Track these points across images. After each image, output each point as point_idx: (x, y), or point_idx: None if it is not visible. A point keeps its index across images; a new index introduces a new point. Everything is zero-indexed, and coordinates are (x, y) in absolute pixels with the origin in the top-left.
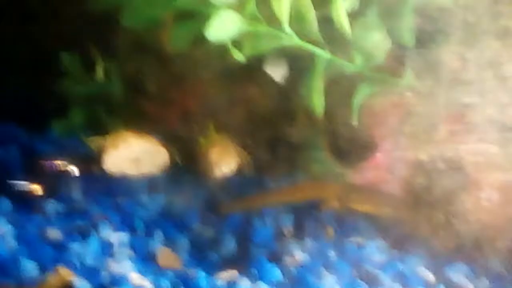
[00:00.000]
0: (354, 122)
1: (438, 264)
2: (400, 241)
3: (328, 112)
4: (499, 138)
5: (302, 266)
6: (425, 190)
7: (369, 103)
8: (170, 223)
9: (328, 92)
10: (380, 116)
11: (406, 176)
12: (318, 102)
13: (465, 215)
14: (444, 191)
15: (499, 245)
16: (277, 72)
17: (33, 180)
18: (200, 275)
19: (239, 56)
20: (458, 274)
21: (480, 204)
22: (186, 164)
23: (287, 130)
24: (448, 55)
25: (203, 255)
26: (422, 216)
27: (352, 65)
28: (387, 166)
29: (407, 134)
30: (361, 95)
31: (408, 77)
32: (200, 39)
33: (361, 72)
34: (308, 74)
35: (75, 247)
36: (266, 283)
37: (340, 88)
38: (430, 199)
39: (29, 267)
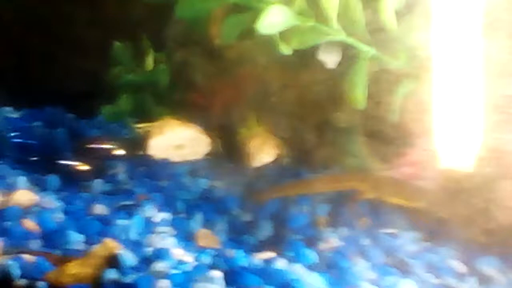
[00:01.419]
0: (395, 118)
1: (470, 256)
2: (434, 233)
3: (369, 106)
4: None
5: (336, 251)
6: (466, 177)
7: (407, 101)
8: (210, 207)
9: (370, 87)
10: (420, 111)
11: (437, 175)
12: (360, 96)
13: (503, 202)
14: (484, 179)
15: None
16: (330, 59)
17: (81, 161)
18: (239, 253)
19: (286, 49)
20: (489, 267)
21: None
22: (227, 153)
23: (335, 115)
24: (497, 48)
25: (241, 238)
26: (461, 203)
27: (395, 61)
28: (420, 164)
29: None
30: (402, 92)
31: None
32: (248, 33)
33: (404, 69)
34: (353, 68)
35: (121, 222)
36: (302, 265)
37: (383, 83)
38: (470, 186)
39: (76, 239)
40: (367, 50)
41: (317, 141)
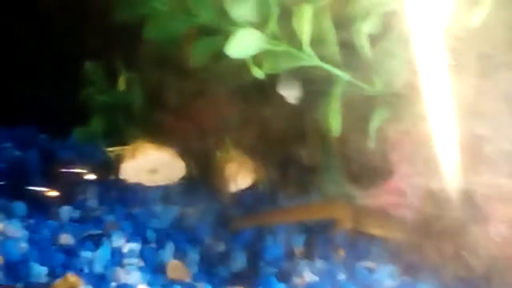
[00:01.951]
0: (371, 146)
1: None
2: (412, 267)
3: (343, 135)
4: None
5: (310, 287)
6: (435, 219)
7: (384, 128)
8: (182, 236)
9: (344, 115)
10: (394, 143)
11: (418, 204)
12: (335, 123)
13: (475, 248)
14: (454, 222)
15: (510, 280)
16: (290, 93)
17: (50, 186)
18: None
19: (258, 73)
20: None
21: (491, 238)
22: (202, 177)
23: (300, 151)
24: (464, 86)
25: (212, 269)
26: (432, 245)
27: (371, 88)
28: (400, 192)
29: (420, 162)
30: (378, 119)
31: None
32: (221, 55)
33: (379, 96)
34: (326, 95)
35: (86, 254)
36: None
37: (357, 111)
38: (440, 229)
39: (39, 272)
40: (341, 75)
41: (291, 169)
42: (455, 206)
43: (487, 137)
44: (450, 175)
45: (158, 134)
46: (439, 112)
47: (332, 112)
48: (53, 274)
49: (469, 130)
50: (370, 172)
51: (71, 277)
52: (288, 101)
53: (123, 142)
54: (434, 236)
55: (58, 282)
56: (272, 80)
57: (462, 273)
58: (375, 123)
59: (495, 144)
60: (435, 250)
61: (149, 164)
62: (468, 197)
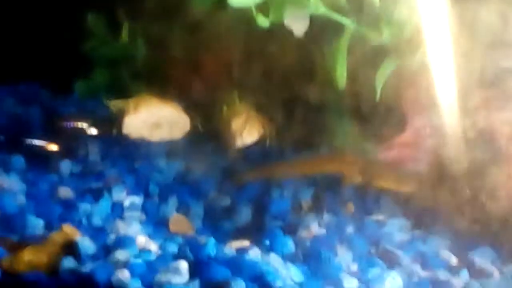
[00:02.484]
0: (377, 96)
1: (462, 246)
2: (423, 220)
3: (351, 86)
4: None
5: (317, 240)
6: (452, 163)
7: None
8: (186, 190)
9: (352, 64)
10: (405, 94)
11: (434, 147)
12: (341, 73)
13: (494, 190)
14: (473, 164)
15: None
16: (297, 26)
17: (51, 140)
18: (210, 242)
19: (263, 22)
20: (483, 258)
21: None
22: (207, 132)
23: (307, 90)
24: (488, 13)
25: (217, 223)
26: (448, 191)
27: (379, 36)
28: (413, 144)
29: (438, 102)
30: (386, 69)
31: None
32: (225, 4)
33: (388, 44)
34: (333, 44)
35: (85, 207)
36: (277, 255)
37: (366, 60)
38: (457, 172)
39: (35, 224)
40: (348, 24)
41: (298, 119)
42: (474, 147)
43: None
44: (471, 113)
45: (162, 88)
46: (458, 45)
47: (338, 62)
48: (50, 227)
49: (494, 62)
50: (382, 124)
51: (67, 228)
52: (295, 35)
53: (126, 96)
54: (450, 180)
55: (54, 233)
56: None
57: (478, 218)
58: (383, 72)
59: None
60: (450, 196)
61: (153, 119)
62: (488, 136)
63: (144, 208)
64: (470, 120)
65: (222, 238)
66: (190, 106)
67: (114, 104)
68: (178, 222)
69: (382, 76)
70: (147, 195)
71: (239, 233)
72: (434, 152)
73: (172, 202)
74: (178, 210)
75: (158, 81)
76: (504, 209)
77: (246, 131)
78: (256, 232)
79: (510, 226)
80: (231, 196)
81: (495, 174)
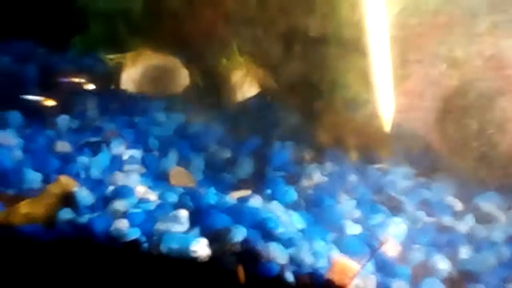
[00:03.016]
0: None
1: (467, 192)
2: (429, 168)
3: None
4: None
5: (319, 188)
6: (458, 94)
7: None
8: (186, 143)
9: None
10: (410, 42)
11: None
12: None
13: (502, 124)
14: (480, 96)
15: None
16: None
17: (48, 96)
18: (210, 191)
19: None
20: (488, 203)
21: None
22: (207, 86)
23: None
24: None
25: (218, 176)
26: (454, 125)
27: None
28: (416, 93)
29: (441, 28)
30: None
31: None
32: None
33: None
34: None
35: (83, 160)
36: (279, 203)
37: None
38: (464, 104)
39: (32, 178)
40: None
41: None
42: (481, 76)
43: None
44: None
45: (160, 41)
46: None
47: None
48: (47, 180)
49: None
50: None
51: (64, 179)
52: None
53: (123, 51)
54: (457, 113)
55: (51, 185)
56: None
57: (486, 154)
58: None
59: None
60: (458, 130)
61: (151, 73)
62: (496, 64)
63: (143, 162)
64: (477, 47)
65: (224, 189)
66: (189, 60)
67: (112, 59)
68: (178, 175)
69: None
70: (146, 149)
71: (241, 185)
72: (440, 86)
73: (172, 155)
74: (178, 163)
75: (156, 35)
76: None
77: (246, 84)
78: (257, 183)
79: None
80: (232, 149)
81: (504, 105)
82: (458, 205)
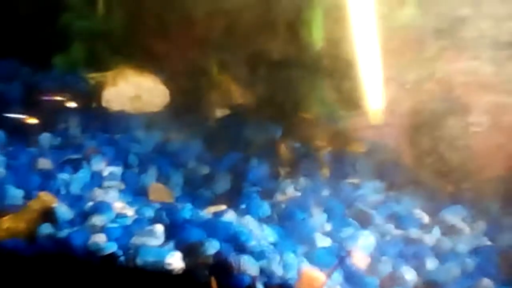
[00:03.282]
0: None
1: (434, 206)
2: (399, 181)
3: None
4: (493, 56)
5: (292, 202)
6: (411, 114)
7: None
8: (165, 160)
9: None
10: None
11: (392, 100)
12: (317, 35)
13: (452, 140)
14: (431, 115)
15: (489, 174)
16: None
17: (31, 114)
18: (186, 207)
19: None
20: (455, 216)
21: (470, 130)
22: (186, 103)
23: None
24: None
25: (196, 191)
26: (408, 142)
27: None
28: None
29: (393, 52)
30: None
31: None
32: None
33: None
34: (306, 6)
35: (64, 177)
36: (253, 217)
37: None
38: (417, 123)
39: (14, 194)
40: None
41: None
42: (433, 98)
43: (467, 18)
44: (427, 63)
45: (140, 60)
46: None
47: (313, 23)
48: (29, 196)
49: (448, 11)
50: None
51: (45, 195)
52: None
53: (105, 69)
54: (410, 130)
55: (32, 201)
56: None
57: (439, 169)
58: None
59: (476, 25)
60: (411, 146)
61: (132, 91)
62: (446, 87)
63: (123, 178)
64: (427, 71)
65: (201, 204)
66: (169, 78)
67: (93, 77)
68: (157, 190)
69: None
70: (126, 166)
71: (218, 200)
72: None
73: (152, 172)
74: (157, 180)
75: (136, 54)
76: (463, 159)
77: (224, 101)
78: (233, 198)
79: (470, 176)
80: (210, 165)
81: (453, 124)
82: (425, 218)
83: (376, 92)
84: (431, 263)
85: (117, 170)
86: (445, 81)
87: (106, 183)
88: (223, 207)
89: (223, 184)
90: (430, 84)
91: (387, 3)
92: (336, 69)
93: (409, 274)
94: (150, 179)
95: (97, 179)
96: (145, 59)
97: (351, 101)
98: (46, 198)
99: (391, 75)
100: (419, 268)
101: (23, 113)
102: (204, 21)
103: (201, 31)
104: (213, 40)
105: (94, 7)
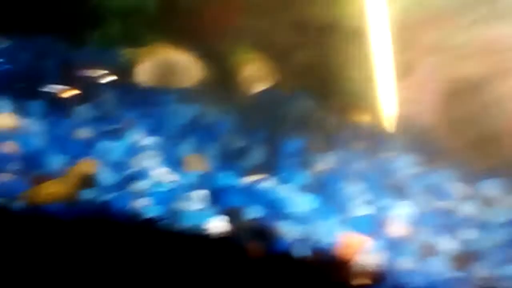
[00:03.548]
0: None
1: (473, 178)
2: (435, 157)
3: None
4: None
5: (329, 173)
6: (456, 79)
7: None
8: (201, 133)
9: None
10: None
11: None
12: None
13: (499, 103)
14: (477, 78)
15: None
16: None
17: (68, 88)
18: (225, 175)
19: None
20: (492, 188)
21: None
22: (220, 80)
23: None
24: None
25: (232, 163)
26: (453, 107)
27: None
28: (420, 87)
29: (430, 21)
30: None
31: None
32: None
33: None
34: None
35: (104, 145)
36: (291, 185)
37: None
38: (462, 87)
39: (56, 160)
40: None
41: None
42: (477, 61)
43: None
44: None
45: (175, 36)
46: None
47: None
48: (70, 163)
49: None
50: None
51: (86, 162)
52: None
53: (140, 45)
54: (456, 95)
55: (74, 167)
56: None
57: (486, 135)
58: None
59: None
60: (458, 112)
61: (166, 67)
62: (490, 50)
63: (160, 148)
64: (468, 35)
65: (238, 174)
66: (203, 54)
67: (128, 53)
68: (194, 161)
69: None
70: (162, 137)
71: (255, 170)
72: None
73: (188, 143)
74: (194, 151)
75: (171, 30)
76: (502, 129)
77: (257, 78)
78: (271, 168)
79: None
80: (246, 138)
81: (500, 88)
82: (463, 190)
83: (412, 61)
84: (468, 234)
85: (154, 140)
86: (484, 47)
87: (144, 153)
88: (261, 176)
89: (259, 155)
90: (468, 50)
91: None
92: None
93: (447, 244)
94: (187, 151)
95: (135, 149)
96: (179, 35)
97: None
98: (87, 164)
99: (429, 42)
100: (456, 238)
101: (60, 85)
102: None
103: (234, 9)
104: (245, 16)
105: None
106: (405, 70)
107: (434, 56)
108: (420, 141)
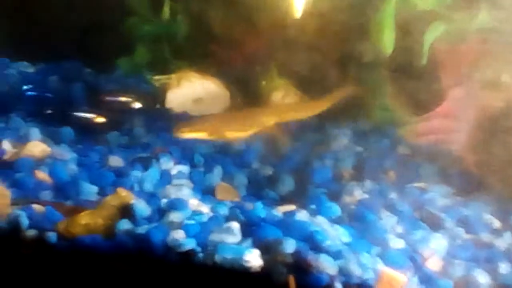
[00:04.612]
0: (423, 62)
1: (505, 210)
2: (467, 187)
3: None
4: None
5: (361, 204)
6: (503, 115)
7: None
8: (229, 160)
9: (398, 30)
10: (445, 64)
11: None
12: (388, 39)
13: None
14: (503, 119)
15: None
16: None
17: (97, 114)
18: (258, 205)
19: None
20: None
21: None
22: (247, 106)
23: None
24: None
25: (261, 192)
26: (497, 143)
27: (424, 1)
28: (452, 115)
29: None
30: (432, 34)
31: (483, 16)
32: None
33: (434, 9)
34: (380, 10)
35: (136, 174)
36: (324, 217)
37: (411, 26)
38: (487, 127)
39: (89, 190)
40: None
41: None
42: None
43: None
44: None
45: (203, 64)
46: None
47: (385, 27)
48: (103, 193)
49: None
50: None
51: (122, 191)
52: None
53: (168, 72)
54: (501, 131)
55: (109, 197)
56: None
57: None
58: (429, 38)
59: None
60: (501, 146)
61: (195, 93)
62: None
63: (190, 177)
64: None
65: (268, 204)
66: (230, 81)
67: (157, 80)
68: (224, 190)
69: (429, 40)
70: (192, 165)
71: (284, 200)
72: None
73: (217, 171)
74: (223, 179)
75: (199, 57)
76: None
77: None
78: (300, 199)
79: None
80: (273, 165)
81: None
82: (496, 223)
83: (444, 96)
84: (504, 267)
85: (185, 169)
86: None
87: (176, 181)
88: (293, 207)
89: (287, 184)
90: (499, 88)
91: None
92: (406, 72)
93: (483, 278)
94: (216, 179)
95: (167, 177)
96: (208, 63)
97: (420, 105)
98: (123, 194)
99: (460, 79)
100: (491, 272)
101: (89, 113)
102: (264, 29)
103: (262, 37)
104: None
105: (158, 12)
106: (438, 99)
107: (467, 85)
108: (451, 172)
